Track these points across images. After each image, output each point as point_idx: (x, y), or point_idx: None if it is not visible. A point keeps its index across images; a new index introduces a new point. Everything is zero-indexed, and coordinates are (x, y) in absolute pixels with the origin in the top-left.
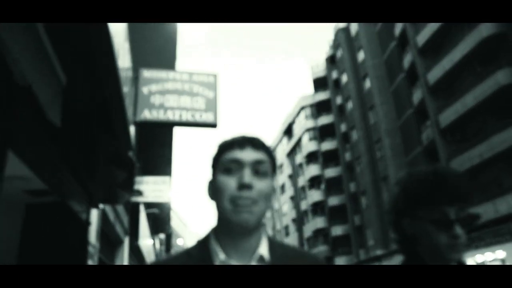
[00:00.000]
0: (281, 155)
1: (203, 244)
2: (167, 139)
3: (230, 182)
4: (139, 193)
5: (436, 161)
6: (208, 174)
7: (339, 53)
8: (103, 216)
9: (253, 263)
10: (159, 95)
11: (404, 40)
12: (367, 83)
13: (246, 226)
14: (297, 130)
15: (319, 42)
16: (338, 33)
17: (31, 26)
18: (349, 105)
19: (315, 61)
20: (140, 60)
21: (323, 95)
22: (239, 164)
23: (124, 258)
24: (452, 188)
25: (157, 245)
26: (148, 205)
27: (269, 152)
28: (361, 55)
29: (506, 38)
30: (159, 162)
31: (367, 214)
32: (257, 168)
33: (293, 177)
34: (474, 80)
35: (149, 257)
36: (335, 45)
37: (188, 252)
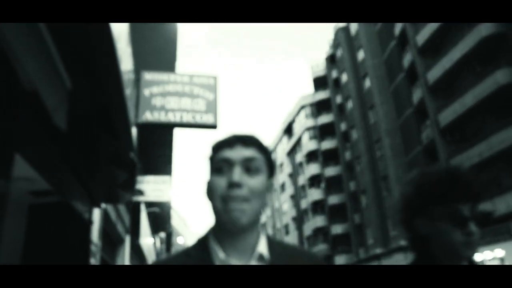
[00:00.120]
0: (281, 154)
1: (203, 243)
2: (167, 139)
3: (220, 182)
4: (140, 192)
5: (435, 160)
6: (206, 175)
7: (339, 53)
8: (105, 216)
9: (253, 261)
10: (160, 97)
11: (404, 40)
12: (367, 83)
13: (238, 224)
14: (297, 129)
15: (319, 41)
16: (338, 32)
17: (35, 28)
18: (349, 104)
19: (315, 60)
20: (141, 60)
21: (323, 94)
22: (229, 163)
23: (125, 256)
24: (466, 186)
25: (158, 244)
26: (149, 204)
27: (262, 148)
28: (361, 55)
29: (506, 38)
30: (159, 162)
31: (367, 213)
32: (248, 166)
33: (293, 176)
34: (473, 79)
35: (150, 255)
36: (335, 45)
37: (187, 252)
